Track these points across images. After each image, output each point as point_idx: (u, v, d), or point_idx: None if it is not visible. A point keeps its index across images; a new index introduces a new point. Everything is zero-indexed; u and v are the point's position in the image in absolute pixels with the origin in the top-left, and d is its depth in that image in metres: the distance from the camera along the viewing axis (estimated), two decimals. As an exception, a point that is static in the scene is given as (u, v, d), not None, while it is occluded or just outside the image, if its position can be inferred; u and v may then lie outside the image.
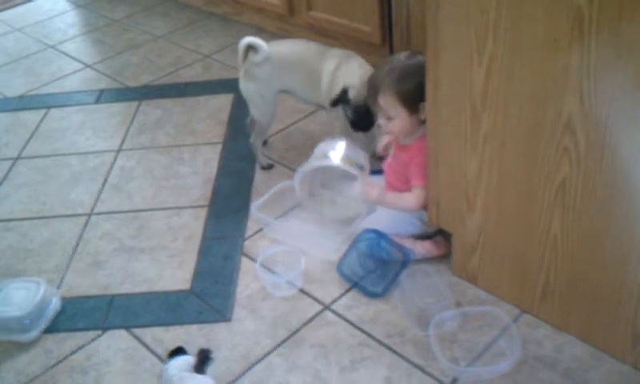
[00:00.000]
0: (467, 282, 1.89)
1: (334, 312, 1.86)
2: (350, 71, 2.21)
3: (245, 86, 2.36)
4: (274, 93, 2.37)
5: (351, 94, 2.16)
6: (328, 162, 1.99)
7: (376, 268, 1.92)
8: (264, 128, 2.43)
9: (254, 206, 2.18)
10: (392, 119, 1.92)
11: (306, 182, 2.10)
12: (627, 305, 1.55)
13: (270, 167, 2.46)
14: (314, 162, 2.02)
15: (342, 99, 2.18)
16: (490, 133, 1.62)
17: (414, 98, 1.86)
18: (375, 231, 1.95)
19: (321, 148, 2.05)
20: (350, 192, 2.07)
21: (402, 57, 1.94)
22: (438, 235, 1.98)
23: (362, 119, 2.17)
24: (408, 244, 1.95)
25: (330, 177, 2.14)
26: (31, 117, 3.00)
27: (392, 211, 2.01)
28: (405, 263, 1.89)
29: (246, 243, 2.13)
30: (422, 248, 1.97)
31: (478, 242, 1.81)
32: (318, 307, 1.88)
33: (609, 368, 1.63)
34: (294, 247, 2.02)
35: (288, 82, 2.35)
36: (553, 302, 1.71)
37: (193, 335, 1.84)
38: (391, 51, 2.76)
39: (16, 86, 3.29)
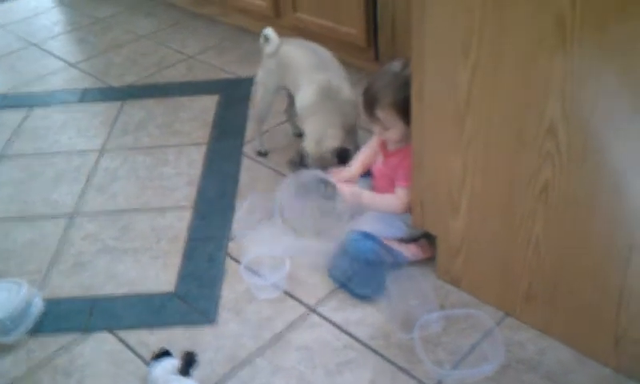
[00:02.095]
0: (451, 284, 1.90)
1: (319, 314, 1.86)
2: (312, 129, 2.22)
3: (258, 71, 2.48)
4: (274, 86, 2.43)
5: (307, 160, 2.21)
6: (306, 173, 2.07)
7: (365, 270, 1.92)
8: (259, 115, 2.51)
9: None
10: (389, 129, 1.94)
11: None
12: (609, 308, 1.56)
13: (264, 154, 2.52)
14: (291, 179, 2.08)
15: (299, 163, 2.27)
16: (473, 134, 1.63)
17: (409, 108, 1.87)
18: (365, 233, 1.95)
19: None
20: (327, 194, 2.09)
21: (396, 67, 1.95)
22: (423, 238, 1.99)
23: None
24: (394, 247, 1.95)
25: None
26: (13, 115, 2.97)
27: (377, 214, 2.01)
28: (395, 266, 1.89)
29: (231, 245, 2.12)
30: (408, 251, 1.97)
31: (462, 244, 1.82)
32: (303, 310, 1.88)
33: (591, 371, 1.64)
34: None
35: (285, 81, 2.40)
36: (536, 305, 1.73)
37: (177, 337, 1.83)
38: (376, 54, 2.77)
39: (-2, 85, 3.26)
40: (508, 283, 1.76)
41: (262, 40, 2.42)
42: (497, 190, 1.66)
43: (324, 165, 2.17)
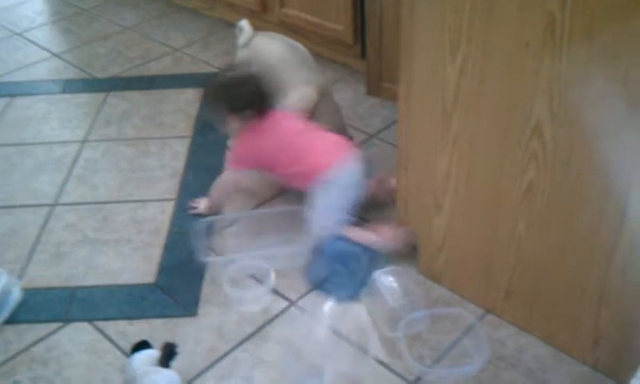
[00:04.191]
0: (432, 281, 1.90)
1: (300, 308, 1.86)
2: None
3: None
4: None
5: None
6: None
7: (344, 271, 1.91)
8: None
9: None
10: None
11: None
12: (588, 308, 1.58)
13: None
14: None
15: None
16: (460, 133, 1.64)
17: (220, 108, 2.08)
18: (338, 236, 1.95)
19: None
20: None
21: (225, 71, 2.22)
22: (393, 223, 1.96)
23: None
24: (367, 237, 1.95)
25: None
26: (-5, 104, 2.94)
27: (327, 205, 1.98)
28: (375, 262, 1.89)
29: (213, 238, 2.11)
30: (381, 236, 1.94)
31: (444, 242, 1.82)
32: (285, 303, 1.88)
33: (569, 369, 1.65)
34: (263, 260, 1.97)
35: None
36: (516, 302, 1.74)
37: (157, 329, 1.82)
38: (363, 51, 2.78)
39: (-21, 73, 3.22)
40: (489, 281, 1.77)
41: (237, 31, 2.42)
42: (481, 188, 1.67)
43: None
